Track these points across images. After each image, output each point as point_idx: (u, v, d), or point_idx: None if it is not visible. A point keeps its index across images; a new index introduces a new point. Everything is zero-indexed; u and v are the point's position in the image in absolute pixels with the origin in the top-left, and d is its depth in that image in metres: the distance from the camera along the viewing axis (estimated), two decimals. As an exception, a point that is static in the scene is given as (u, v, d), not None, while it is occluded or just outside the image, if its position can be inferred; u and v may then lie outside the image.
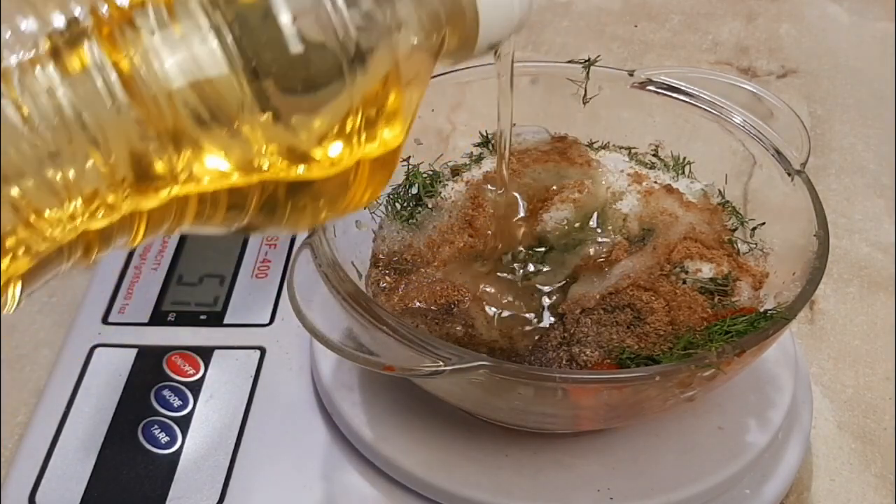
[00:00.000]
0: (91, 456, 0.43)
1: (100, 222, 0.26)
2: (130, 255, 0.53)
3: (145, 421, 0.44)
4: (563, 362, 0.39)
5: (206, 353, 0.48)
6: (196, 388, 0.46)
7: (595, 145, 0.49)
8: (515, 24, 0.32)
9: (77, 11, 0.25)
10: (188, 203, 0.27)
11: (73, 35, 0.25)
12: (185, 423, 0.45)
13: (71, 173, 0.24)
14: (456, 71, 0.48)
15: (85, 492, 0.42)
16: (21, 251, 0.25)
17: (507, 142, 0.42)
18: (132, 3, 0.25)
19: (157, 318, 0.50)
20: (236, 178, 0.27)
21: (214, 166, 0.27)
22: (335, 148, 0.28)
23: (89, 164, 0.24)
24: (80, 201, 0.25)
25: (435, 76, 0.46)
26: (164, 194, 0.26)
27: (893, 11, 0.83)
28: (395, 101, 0.29)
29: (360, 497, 0.42)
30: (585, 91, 0.48)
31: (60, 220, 0.25)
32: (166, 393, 0.46)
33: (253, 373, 0.47)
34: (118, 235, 0.27)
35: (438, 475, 0.40)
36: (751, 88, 0.46)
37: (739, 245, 0.45)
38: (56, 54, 0.24)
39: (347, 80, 0.27)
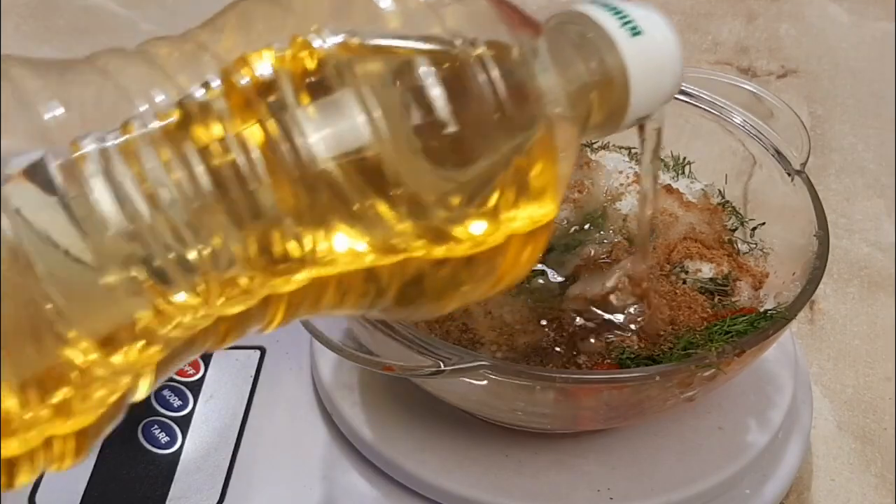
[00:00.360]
0: (91, 456, 0.43)
1: (234, 307, 0.24)
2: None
3: (145, 421, 0.44)
4: (563, 362, 0.39)
5: (206, 353, 0.47)
6: (196, 388, 0.46)
7: (595, 145, 0.49)
8: (667, 96, 0.29)
9: (212, 82, 0.23)
10: (326, 286, 0.26)
11: (206, 107, 0.23)
12: (185, 423, 0.45)
13: (203, 254, 0.23)
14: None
15: (85, 492, 0.42)
16: (150, 339, 0.23)
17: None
18: (273, 74, 0.23)
19: (157, 318, 0.50)
20: (371, 259, 0.25)
21: (351, 248, 0.25)
22: (479, 226, 0.26)
23: (221, 245, 0.23)
24: (212, 285, 0.23)
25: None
26: (299, 277, 0.25)
27: (893, 11, 0.83)
28: (544, 175, 0.27)
29: (360, 497, 0.42)
30: (585, 91, 0.48)
31: (192, 306, 0.23)
32: (166, 393, 0.46)
33: (253, 373, 0.47)
34: (253, 322, 0.26)
35: (438, 475, 0.40)
36: (751, 88, 0.46)
37: (739, 245, 0.45)
38: (184, 124, 0.23)
39: (499, 155, 0.25)
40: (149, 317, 0.22)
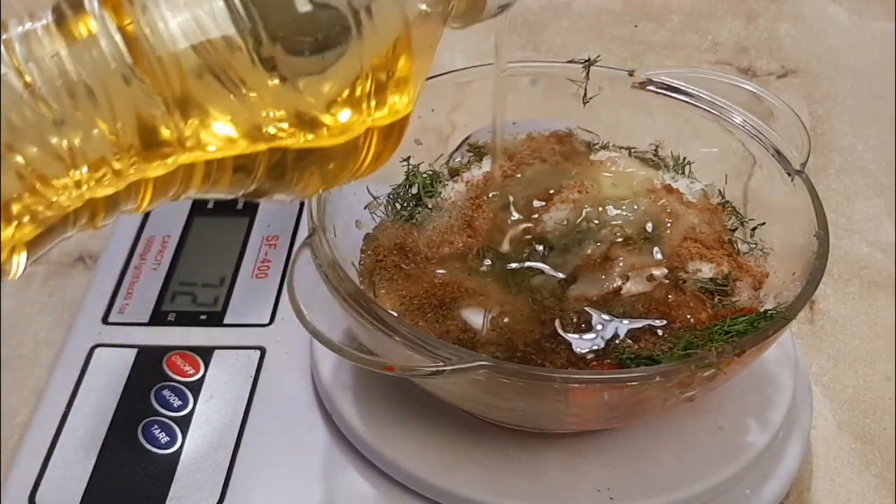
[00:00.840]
0: (91, 456, 0.43)
1: (106, 189, 0.26)
2: (130, 255, 0.53)
3: (145, 421, 0.44)
4: (563, 362, 0.39)
5: (206, 353, 0.48)
6: (196, 388, 0.46)
7: (595, 145, 0.49)
8: None
9: None
10: (195, 169, 0.27)
11: (77, 2, 0.25)
12: (185, 423, 0.45)
13: (77, 140, 0.24)
14: (456, 71, 0.48)
15: (85, 492, 0.42)
16: (26, 218, 0.24)
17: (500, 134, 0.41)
18: None
19: (157, 318, 0.50)
20: (244, 145, 0.27)
21: (222, 133, 0.26)
22: (344, 114, 0.28)
23: (95, 131, 0.24)
24: (86, 168, 0.25)
25: (435, 76, 0.47)
26: (171, 161, 0.26)
27: (893, 11, 0.83)
28: (405, 66, 0.29)
29: (360, 497, 0.42)
30: (585, 91, 0.48)
31: (66, 186, 0.25)
32: (166, 393, 0.46)
33: (253, 373, 0.47)
34: (124, 202, 0.27)
35: (438, 475, 0.40)
36: (751, 88, 0.46)
37: (739, 245, 0.45)
38: (60, 22, 0.24)
39: (356, 41, 0.27)
40: (25, 198, 0.24)
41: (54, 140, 0.24)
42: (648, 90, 0.48)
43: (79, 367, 0.47)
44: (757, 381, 0.44)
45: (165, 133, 0.25)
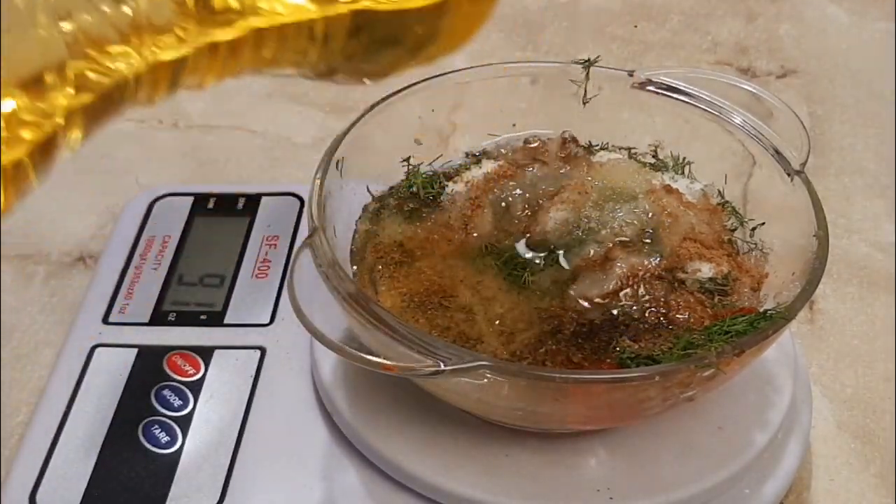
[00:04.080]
0: (91, 456, 0.43)
1: (169, 53, 0.24)
2: (131, 255, 0.53)
3: (145, 421, 0.45)
4: (563, 361, 0.39)
5: (206, 353, 0.48)
6: (196, 388, 0.46)
7: (595, 146, 0.50)
8: None
9: None
10: (266, 36, 0.25)
11: None
12: (185, 422, 0.45)
13: (135, 3, 0.23)
14: (456, 71, 0.48)
15: (85, 492, 0.42)
16: (80, 86, 0.23)
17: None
18: None
19: (158, 318, 0.50)
20: (314, 12, 0.25)
21: None
22: None
23: None
24: (147, 34, 0.23)
25: (435, 76, 0.47)
26: (238, 25, 0.25)
27: (893, 11, 0.83)
28: None
29: (360, 497, 0.42)
30: (585, 91, 0.48)
31: (124, 52, 0.23)
32: (166, 393, 0.46)
33: (253, 373, 0.47)
34: (188, 73, 0.25)
35: (438, 475, 0.40)
36: (751, 88, 0.46)
37: (739, 245, 0.45)
38: None
39: None
40: (80, 65, 0.23)
41: (107, 4, 0.23)
42: (648, 90, 0.48)
43: (79, 367, 0.47)
44: (756, 381, 0.44)
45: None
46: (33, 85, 0.22)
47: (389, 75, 0.30)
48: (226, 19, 0.24)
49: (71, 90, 0.23)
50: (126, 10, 0.23)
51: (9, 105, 0.22)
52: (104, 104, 0.24)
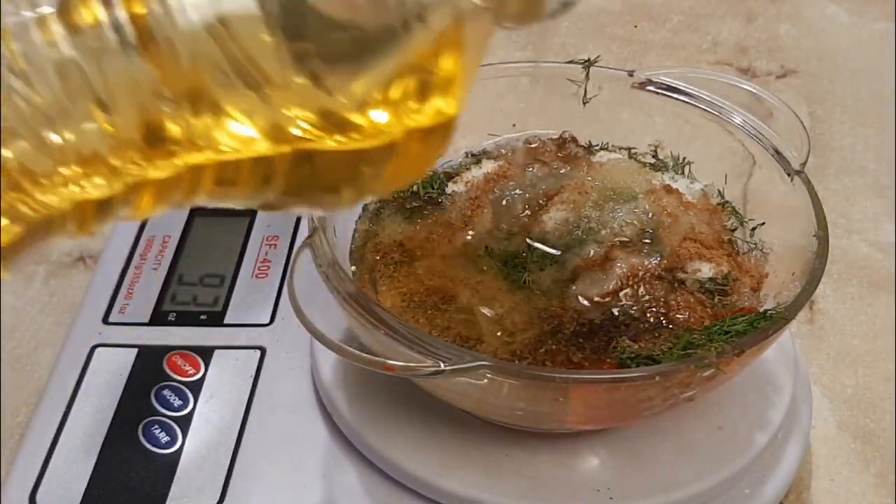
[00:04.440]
0: (91, 456, 0.43)
1: (100, 190, 0.23)
2: (131, 255, 0.53)
3: (145, 421, 0.44)
4: (563, 361, 0.39)
5: (206, 353, 0.48)
6: (196, 388, 0.46)
7: (595, 146, 0.50)
8: None
9: None
10: (204, 173, 0.24)
11: None
12: (185, 422, 0.45)
13: (68, 133, 0.22)
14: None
15: (85, 492, 0.42)
16: (7, 218, 0.22)
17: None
18: None
19: (158, 318, 0.50)
20: (263, 147, 0.24)
21: (238, 132, 0.23)
22: (380, 115, 0.24)
23: (89, 122, 0.22)
24: (77, 165, 0.22)
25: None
26: (177, 161, 0.23)
27: (893, 11, 0.83)
28: (452, 66, 0.25)
29: (360, 497, 0.42)
30: (585, 91, 0.48)
31: (55, 184, 0.22)
32: (166, 393, 0.46)
33: (253, 373, 0.47)
34: (120, 206, 0.24)
35: (438, 475, 0.40)
36: (750, 88, 0.46)
37: (739, 245, 0.45)
38: (62, 7, 0.22)
39: (402, 38, 0.23)
40: (9, 196, 0.22)
41: (44, 132, 0.22)
42: (648, 90, 0.48)
43: (79, 367, 0.47)
44: (756, 380, 0.45)
45: (172, 129, 0.23)
46: None
47: (349, 205, 0.29)
48: (165, 152, 0.23)
49: (6, 220, 0.22)
50: (57, 134, 0.22)
51: None
52: (27, 237, 0.23)
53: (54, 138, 0.22)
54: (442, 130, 0.27)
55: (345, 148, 0.25)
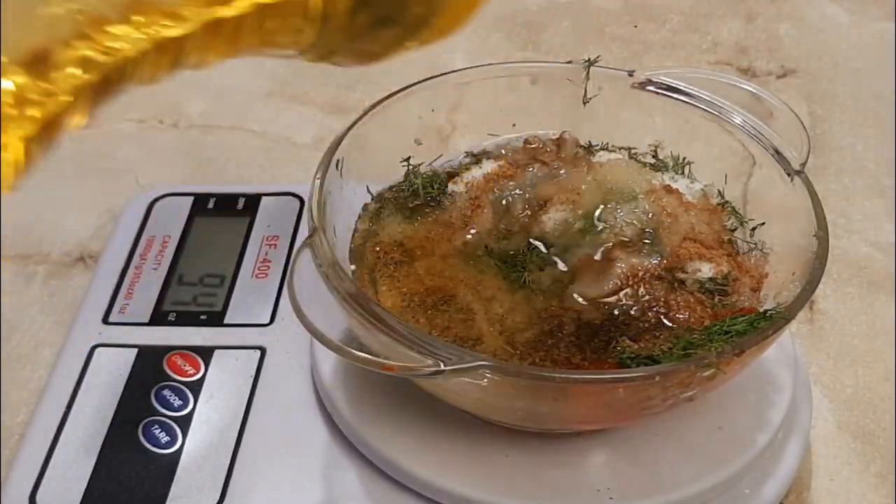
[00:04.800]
0: (91, 456, 0.43)
1: (170, 31, 0.24)
2: (131, 255, 0.53)
3: (145, 421, 0.45)
4: (563, 361, 0.39)
5: (206, 353, 0.48)
6: (196, 388, 0.46)
7: (595, 146, 0.50)
8: None
9: None
10: (267, 13, 0.25)
11: None
12: (185, 422, 0.45)
13: None
14: (456, 71, 0.48)
15: (85, 492, 0.42)
16: (80, 68, 0.23)
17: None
18: None
19: (158, 318, 0.50)
20: None
21: None
22: None
23: None
24: (145, 11, 0.23)
25: (435, 76, 0.47)
26: (240, 2, 0.24)
27: (893, 11, 0.83)
28: None
29: (360, 497, 0.42)
30: (585, 91, 0.48)
31: (125, 32, 0.23)
32: (166, 393, 0.46)
33: (253, 373, 0.47)
34: (190, 52, 0.25)
35: (438, 475, 0.40)
36: (750, 88, 0.46)
37: (739, 245, 0.45)
38: None
39: None
40: (82, 44, 0.23)
41: None
42: (648, 90, 0.48)
43: (79, 367, 0.47)
44: (756, 380, 0.44)
45: None
46: (35, 64, 0.22)
47: (389, 57, 0.30)
48: None
49: (76, 70, 0.23)
50: None
51: (10, 84, 0.22)
52: (107, 83, 0.24)
53: None
54: None
55: None
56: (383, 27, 0.27)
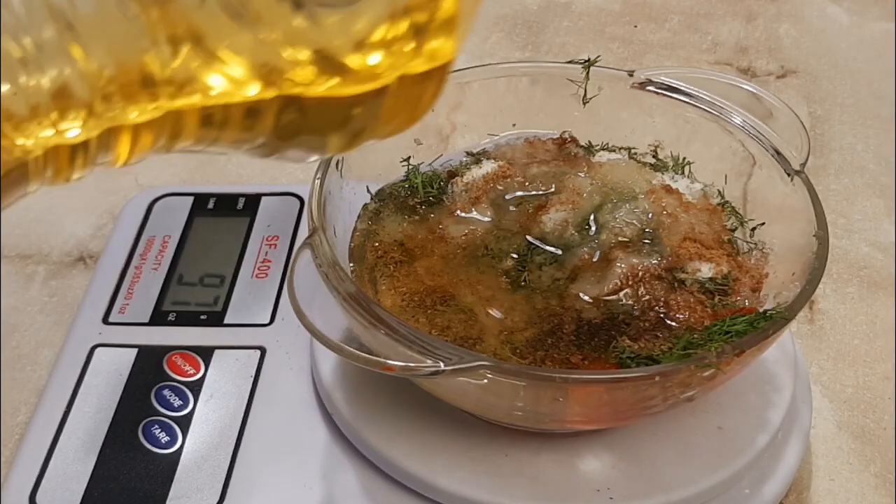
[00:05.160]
0: (91, 456, 0.43)
1: (75, 132, 0.22)
2: (131, 255, 0.53)
3: (145, 421, 0.45)
4: (563, 361, 0.39)
5: (206, 353, 0.48)
6: (196, 388, 0.46)
7: (595, 146, 0.50)
8: None
9: None
10: (188, 117, 0.23)
11: None
12: (185, 422, 0.45)
13: (45, 76, 0.20)
14: (456, 71, 0.48)
15: (85, 492, 0.42)
16: None
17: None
18: None
19: (158, 317, 0.50)
20: (252, 91, 0.23)
21: (227, 73, 0.22)
22: (374, 57, 0.24)
23: (68, 64, 0.21)
24: (54, 107, 0.21)
25: (435, 76, 0.47)
26: (160, 104, 0.22)
27: (893, 11, 0.83)
28: (451, 4, 0.24)
29: (360, 497, 0.42)
30: (585, 91, 0.49)
31: (31, 128, 0.21)
32: (166, 393, 0.46)
33: (253, 373, 0.47)
34: (100, 151, 0.23)
35: (438, 475, 0.40)
36: (750, 88, 0.46)
37: (739, 245, 0.45)
38: None
39: None
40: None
41: (20, 73, 0.20)
42: (648, 90, 0.48)
43: (79, 367, 0.47)
44: (757, 380, 0.45)
45: (155, 70, 0.21)
46: None
47: (337, 152, 0.29)
48: (147, 94, 0.22)
49: None
50: (33, 75, 0.21)
51: None
52: (7, 183, 0.22)
53: (28, 78, 0.21)
54: (438, 75, 0.26)
55: (336, 94, 0.24)
56: (322, 133, 0.26)
